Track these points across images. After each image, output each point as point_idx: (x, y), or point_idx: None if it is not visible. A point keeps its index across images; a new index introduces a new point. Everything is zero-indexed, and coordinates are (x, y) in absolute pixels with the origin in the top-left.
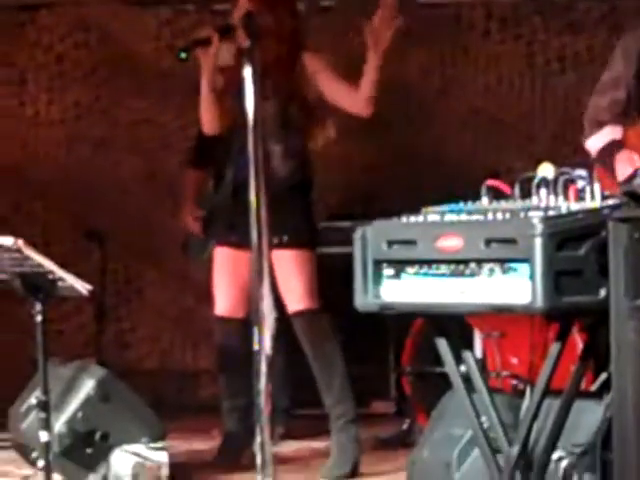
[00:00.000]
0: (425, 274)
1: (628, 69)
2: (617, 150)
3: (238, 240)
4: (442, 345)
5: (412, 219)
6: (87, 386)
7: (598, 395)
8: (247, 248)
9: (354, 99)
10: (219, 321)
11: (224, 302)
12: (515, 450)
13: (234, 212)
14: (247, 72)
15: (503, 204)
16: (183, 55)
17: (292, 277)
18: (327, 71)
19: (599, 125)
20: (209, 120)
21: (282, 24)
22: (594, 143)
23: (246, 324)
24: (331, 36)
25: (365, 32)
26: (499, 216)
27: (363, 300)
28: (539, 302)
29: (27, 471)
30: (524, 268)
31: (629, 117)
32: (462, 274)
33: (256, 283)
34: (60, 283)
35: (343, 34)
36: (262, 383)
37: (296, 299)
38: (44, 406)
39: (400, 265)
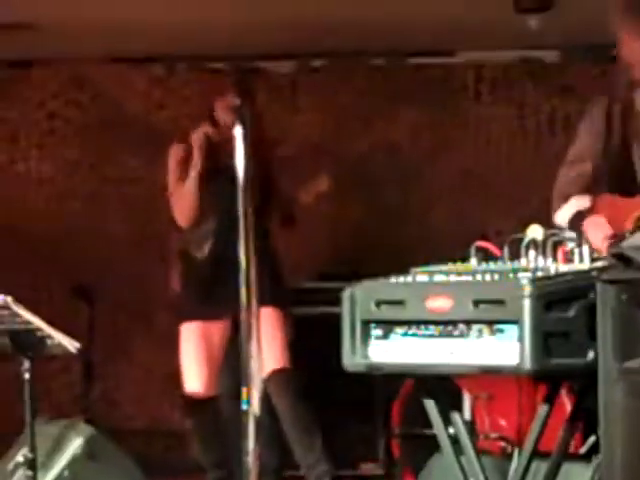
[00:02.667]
0: (414, 334)
1: (595, 141)
2: (584, 218)
3: (211, 311)
4: (430, 407)
5: (401, 279)
6: (74, 444)
7: (587, 458)
8: (220, 318)
9: None
10: (193, 402)
11: (197, 381)
12: None
13: (210, 283)
14: (237, 130)
15: (492, 265)
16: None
17: (270, 335)
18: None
19: (566, 198)
20: (191, 211)
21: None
22: (562, 216)
23: (217, 400)
24: (320, 95)
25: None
26: (488, 277)
27: (351, 360)
28: (527, 364)
29: None
30: (512, 329)
31: (596, 189)
32: (451, 335)
33: (245, 343)
34: (49, 341)
35: (332, 94)
36: (250, 444)
37: (275, 358)
38: (31, 464)
39: (389, 325)
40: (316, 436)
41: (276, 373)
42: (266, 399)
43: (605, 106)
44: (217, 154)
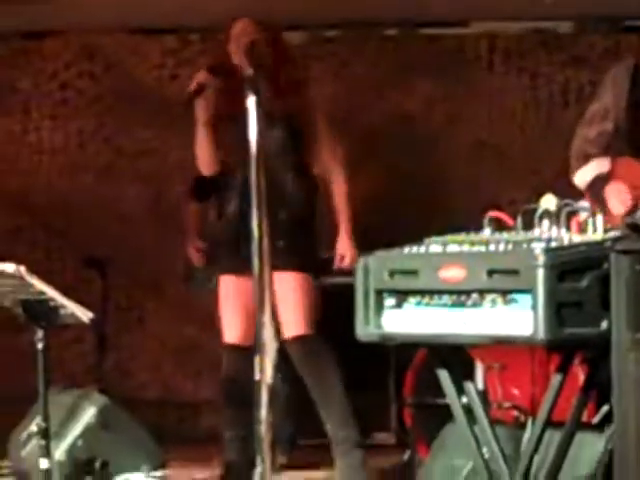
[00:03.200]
0: (427, 304)
1: (618, 100)
2: (605, 183)
3: (243, 266)
4: (443, 376)
5: (414, 249)
6: (88, 414)
7: (599, 427)
8: (250, 273)
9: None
10: (229, 349)
11: (233, 330)
12: None
13: (239, 239)
14: (251, 101)
15: (505, 235)
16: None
17: (291, 301)
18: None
19: (586, 158)
20: (207, 162)
21: (281, 53)
22: (582, 177)
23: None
24: (334, 66)
25: None
26: (501, 247)
27: (364, 330)
28: (541, 333)
29: None
30: (526, 299)
31: (616, 148)
32: (464, 305)
33: (258, 312)
34: (62, 310)
35: (346, 64)
36: (263, 413)
37: (293, 324)
38: (44, 433)
39: (402, 295)
40: (334, 401)
41: (295, 340)
42: (283, 366)
43: (630, 67)
44: (237, 102)
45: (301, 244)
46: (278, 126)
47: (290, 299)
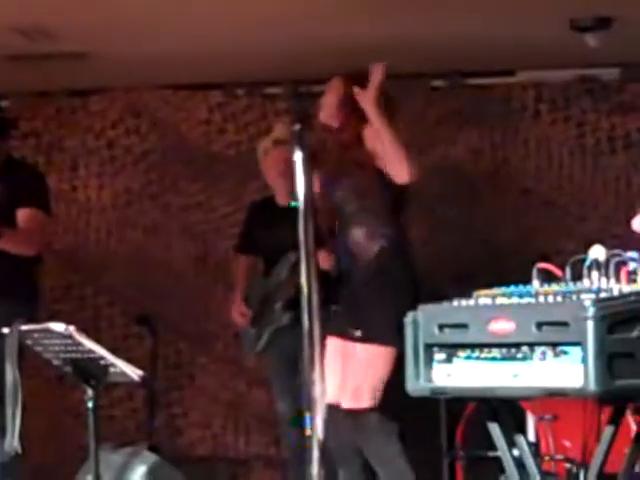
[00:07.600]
0: (477, 358)
1: None
2: None
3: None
4: (494, 429)
5: (463, 303)
6: (138, 472)
7: None
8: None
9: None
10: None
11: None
12: None
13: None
14: (297, 156)
15: (554, 287)
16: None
17: (358, 372)
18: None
19: None
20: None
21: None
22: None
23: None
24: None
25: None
26: (550, 299)
27: (415, 384)
28: (592, 386)
29: None
30: (576, 351)
31: None
32: (514, 358)
33: (307, 370)
34: (111, 369)
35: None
36: (315, 469)
37: (350, 394)
38: None
39: (452, 349)
40: (394, 475)
41: (347, 412)
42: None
43: None
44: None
45: (376, 312)
46: (344, 182)
47: (357, 370)
